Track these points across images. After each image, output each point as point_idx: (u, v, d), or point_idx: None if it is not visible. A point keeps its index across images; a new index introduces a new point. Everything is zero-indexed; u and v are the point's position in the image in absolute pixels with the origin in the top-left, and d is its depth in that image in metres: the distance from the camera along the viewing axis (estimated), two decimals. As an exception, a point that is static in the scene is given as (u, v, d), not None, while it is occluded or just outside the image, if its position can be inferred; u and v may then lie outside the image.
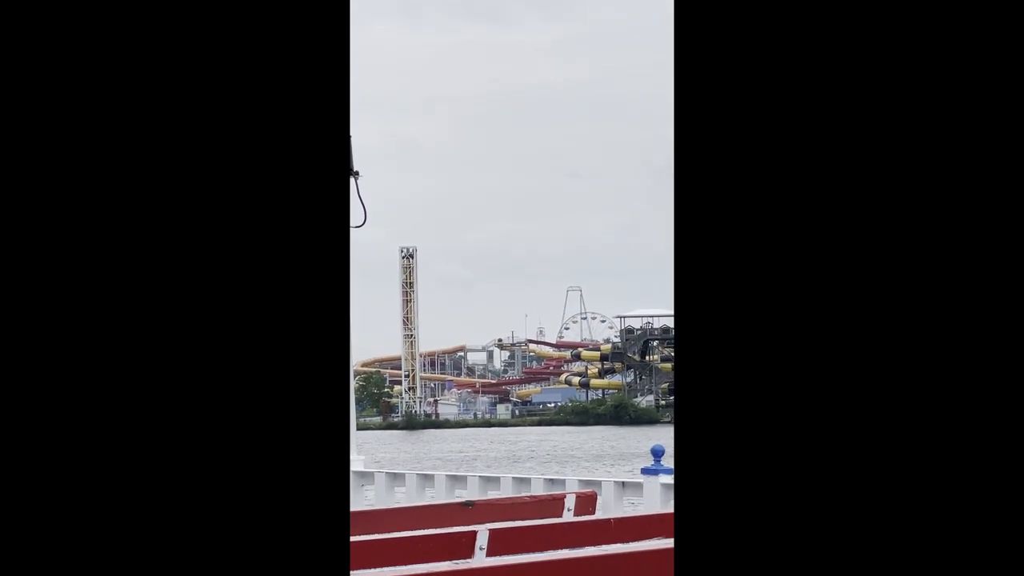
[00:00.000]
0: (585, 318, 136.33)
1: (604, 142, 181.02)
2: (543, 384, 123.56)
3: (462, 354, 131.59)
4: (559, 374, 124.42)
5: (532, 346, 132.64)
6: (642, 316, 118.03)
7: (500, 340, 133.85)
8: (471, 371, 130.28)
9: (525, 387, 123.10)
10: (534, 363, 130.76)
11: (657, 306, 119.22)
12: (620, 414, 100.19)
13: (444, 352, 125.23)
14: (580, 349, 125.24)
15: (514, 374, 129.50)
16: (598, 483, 8.79)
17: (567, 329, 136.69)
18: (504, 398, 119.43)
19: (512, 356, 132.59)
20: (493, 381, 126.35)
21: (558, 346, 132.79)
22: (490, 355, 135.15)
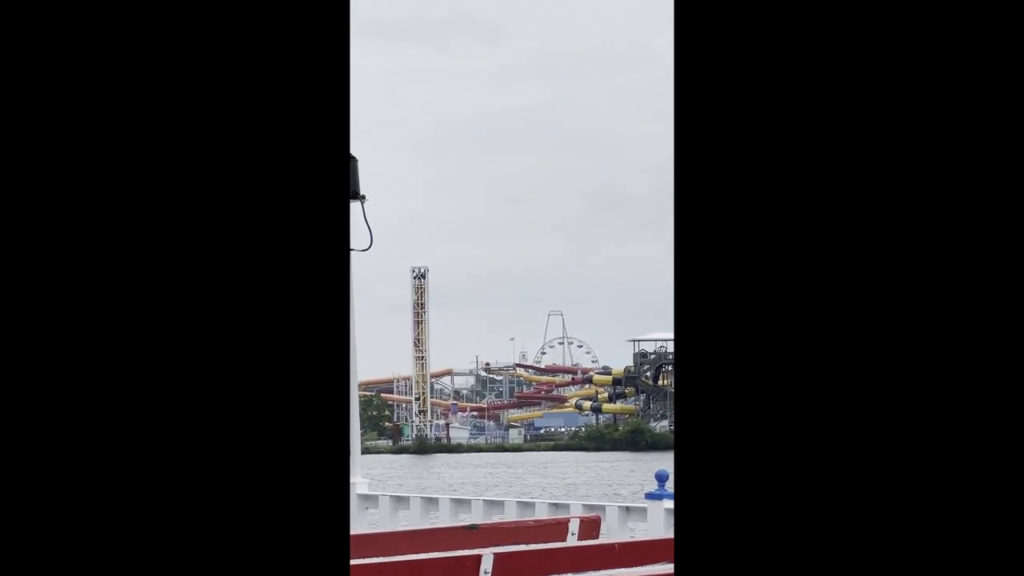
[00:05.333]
0: (562, 343, 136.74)
1: (541, 168, 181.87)
2: (535, 408, 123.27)
3: (449, 378, 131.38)
4: (552, 399, 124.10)
5: (519, 370, 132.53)
6: (656, 340, 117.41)
7: (488, 364, 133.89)
8: (458, 395, 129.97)
9: (518, 411, 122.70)
10: (523, 387, 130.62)
11: (642, 331, 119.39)
12: (636, 439, 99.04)
13: (433, 376, 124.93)
14: (592, 373, 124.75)
15: (492, 398, 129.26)
16: (602, 507, 8.79)
17: (544, 354, 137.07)
18: (498, 423, 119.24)
19: (498, 380, 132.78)
20: (484, 404, 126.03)
21: (549, 371, 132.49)
22: (478, 379, 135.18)
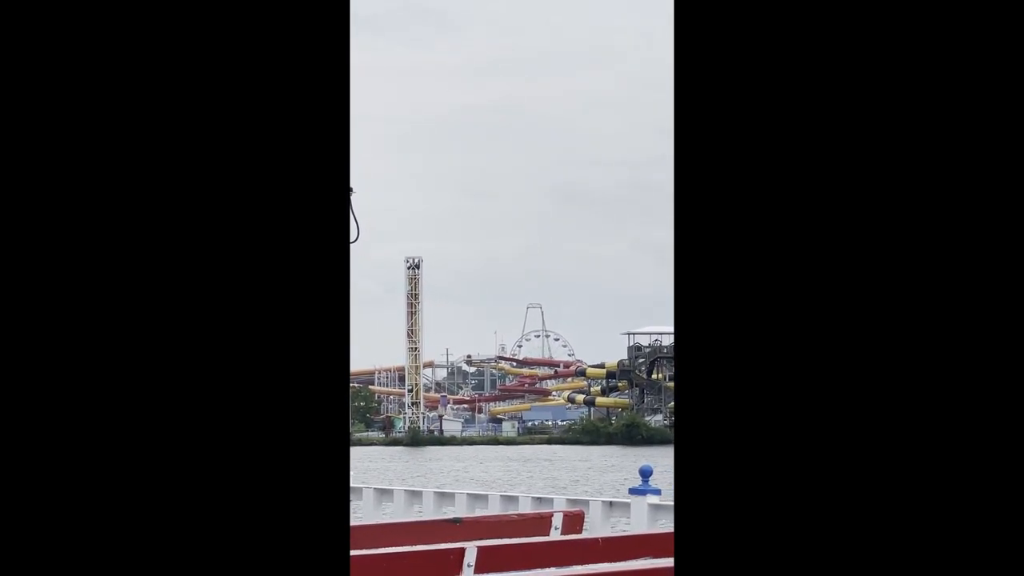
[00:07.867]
0: (539, 336, 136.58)
1: (504, 164, 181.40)
2: (520, 401, 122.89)
3: (431, 370, 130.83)
4: (536, 392, 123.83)
5: (503, 363, 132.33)
6: (650, 333, 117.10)
7: (469, 356, 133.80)
8: (440, 387, 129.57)
9: (503, 404, 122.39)
10: (506, 380, 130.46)
11: (623, 325, 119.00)
12: (632, 433, 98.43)
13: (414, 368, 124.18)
14: (584, 366, 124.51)
15: (470, 390, 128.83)
16: (585, 502, 8.81)
17: (520, 347, 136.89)
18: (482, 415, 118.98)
19: (480, 372, 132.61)
20: (467, 398, 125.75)
21: (529, 363, 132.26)
22: (458, 371, 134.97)
